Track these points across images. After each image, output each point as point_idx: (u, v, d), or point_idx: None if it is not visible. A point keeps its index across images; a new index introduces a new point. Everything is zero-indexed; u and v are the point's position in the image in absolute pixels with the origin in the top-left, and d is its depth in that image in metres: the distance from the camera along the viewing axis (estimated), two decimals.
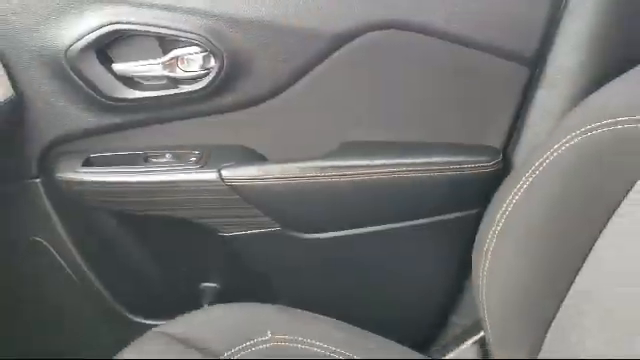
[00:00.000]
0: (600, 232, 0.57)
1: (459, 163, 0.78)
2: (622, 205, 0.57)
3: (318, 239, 0.83)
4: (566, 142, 0.58)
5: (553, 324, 0.60)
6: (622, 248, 0.56)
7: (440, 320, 0.88)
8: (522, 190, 0.61)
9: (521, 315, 0.63)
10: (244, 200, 0.79)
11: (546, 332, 0.61)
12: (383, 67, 0.75)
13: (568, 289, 0.59)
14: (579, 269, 0.59)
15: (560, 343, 0.59)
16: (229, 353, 0.68)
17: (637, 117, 0.55)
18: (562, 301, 0.60)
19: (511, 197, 0.62)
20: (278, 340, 0.69)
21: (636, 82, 0.60)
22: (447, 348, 0.81)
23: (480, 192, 0.76)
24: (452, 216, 0.80)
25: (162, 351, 0.66)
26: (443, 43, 0.72)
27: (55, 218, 0.84)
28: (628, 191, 0.56)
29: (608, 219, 0.57)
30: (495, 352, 0.65)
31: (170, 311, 0.80)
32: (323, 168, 0.78)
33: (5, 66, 0.75)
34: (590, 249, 0.58)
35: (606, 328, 0.53)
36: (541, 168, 0.60)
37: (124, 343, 0.70)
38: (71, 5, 0.73)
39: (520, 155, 0.77)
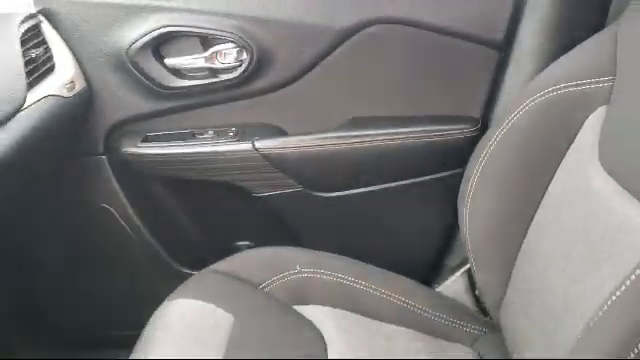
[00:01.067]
0: (553, 174, 0.75)
1: (446, 131, 0.96)
2: (567, 154, 0.75)
3: (332, 197, 1.01)
4: (525, 106, 0.76)
5: (521, 248, 0.78)
6: (565, 187, 0.73)
7: (436, 262, 1.06)
8: (494, 145, 0.79)
9: (496, 242, 0.80)
10: (272, 165, 0.97)
11: (516, 255, 0.78)
12: (381, 55, 0.94)
13: (531, 220, 0.76)
14: (538, 204, 0.76)
15: (527, 263, 0.76)
16: (267, 283, 0.86)
17: (572, 83, 0.72)
18: (527, 230, 0.77)
19: (486, 150, 0.80)
20: (305, 272, 0.87)
21: (575, 57, 0.77)
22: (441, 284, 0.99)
23: (463, 154, 0.93)
24: (441, 175, 0.98)
25: (216, 280, 0.84)
26: (428, 33, 0.90)
27: (118, 188, 1.03)
28: (570, 144, 0.74)
29: (558, 165, 0.75)
30: (476, 274, 0.83)
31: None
32: (334, 138, 0.97)
33: (79, 63, 0.94)
34: (546, 188, 0.75)
35: (558, 250, 0.70)
36: (507, 126, 0.78)
37: (174, 289, 0.88)
38: (131, 14, 0.92)
39: (495, 122, 0.95)
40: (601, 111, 0.71)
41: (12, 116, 0.74)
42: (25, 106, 0.78)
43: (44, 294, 1.14)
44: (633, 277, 0.54)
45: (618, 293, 0.55)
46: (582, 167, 0.70)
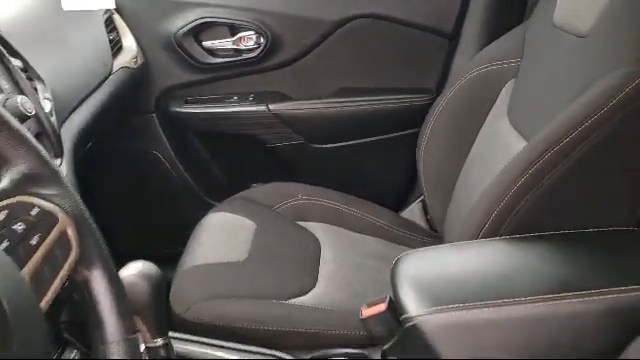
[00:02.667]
0: (481, 125, 1.05)
1: (409, 99, 1.29)
2: (490, 112, 1.07)
3: (324, 147, 1.36)
4: (464, 78, 1.07)
5: (458, 177, 1.09)
6: (487, 134, 1.06)
7: (400, 195, 1.38)
8: (442, 106, 1.10)
9: (441, 175, 1.12)
10: (281, 122, 1.32)
11: (454, 183, 1.09)
12: (361, 42, 1.27)
13: (465, 157, 1.09)
14: (471, 145, 1.07)
15: (460, 187, 1.08)
16: (278, 205, 1.19)
17: (496, 62, 1.03)
18: (463, 164, 1.09)
19: (436, 110, 1.11)
20: (305, 200, 1.21)
21: (500, 44, 1.08)
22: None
23: (422, 116, 1.26)
24: (405, 132, 1.31)
25: (242, 202, 1.17)
26: (395, 25, 1.24)
27: (164, 139, 1.36)
28: (492, 105, 1.06)
29: (484, 119, 1.06)
30: (427, 200, 1.15)
31: None
32: (326, 103, 1.31)
33: (139, 44, 1.27)
34: (476, 134, 1.05)
35: (478, 172, 1.01)
36: (451, 94, 1.09)
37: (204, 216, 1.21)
38: (177, 8, 1.25)
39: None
40: (512, 83, 1.02)
41: (105, 79, 1.08)
42: (112, 73, 1.12)
43: (106, 218, 1.47)
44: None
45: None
46: (497, 120, 1.02)
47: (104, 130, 1.18)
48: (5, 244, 0.43)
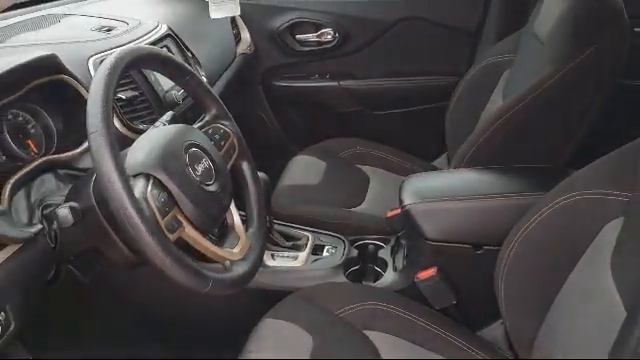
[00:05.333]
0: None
1: (441, 79, 1.77)
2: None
3: (380, 114, 1.88)
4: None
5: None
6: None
7: (435, 151, 1.85)
8: (462, 86, 1.58)
9: (459, 131, 1.58)
10: (348, 94, 1.85)
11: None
12: (407, 36, 1.77)
13: (477, 121, 1.54)
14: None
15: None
16: (341, 154, 1.69)
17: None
18: (474, 125, 1.52)
19: (458, 89, 1.58)
20: (363, 149, 1.72)
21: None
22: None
23: (449, 92, 1.71)
24: (436, 105, 1.78)
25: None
26: (430, 25, 1.71)
27: (266, 103, 1.93)
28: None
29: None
30: (450, 152, 1.62)
31: None
32: (379, 80, 1.83)
33: (251, 37, 1.83)
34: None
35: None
36: (468, 77, 1.57)
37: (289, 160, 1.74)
38: (279, 11, 1.80)
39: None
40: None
41: (232, 62, 1.64)
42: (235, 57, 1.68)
43: None
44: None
45: None
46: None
47: (227, 96, 1.74)
48: (212, 142, 0.97)
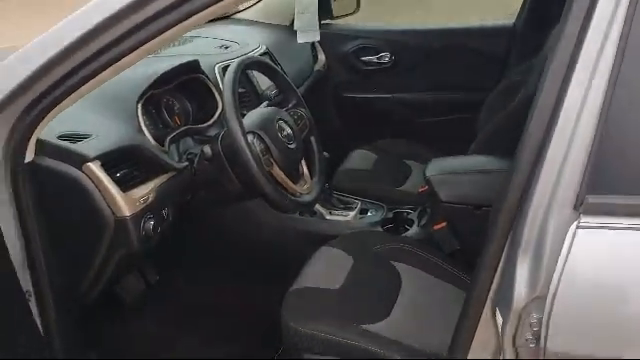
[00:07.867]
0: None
1: (475, 94, 2.19)
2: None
3: (423, 121, 2.31)
4: (501, 85, 1.97)
5: None
6: None
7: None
8: (490, 99, 2.01)
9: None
10: (399, 104, 2.32)
11: None
12: (447, 58, 2.22)
13: None
14: None
15: None
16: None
17: (516, 78, 1.93)
18: None
19: (487, 101, 2.02)
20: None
21: (523, 66, 1.96)
22: None
23: (480, 104, 2.14)
24: (469, 115, 2.21)
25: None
26: (467, 50, 2.16)
27: (334, 108, 2.43)
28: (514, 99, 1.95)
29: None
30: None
31: None
32: (425, 94, 2.28)
33: (326, 57, 2.34)
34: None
35: None
36: (494, 93, 2.00)
37: None
38: (349, 37, 2.30)
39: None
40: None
41: (310, 75, 2.16)
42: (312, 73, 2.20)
43: None
44: None
45: None
46: None
47: (305, 102, 2.26)
48: (293, 119, 1.48)
